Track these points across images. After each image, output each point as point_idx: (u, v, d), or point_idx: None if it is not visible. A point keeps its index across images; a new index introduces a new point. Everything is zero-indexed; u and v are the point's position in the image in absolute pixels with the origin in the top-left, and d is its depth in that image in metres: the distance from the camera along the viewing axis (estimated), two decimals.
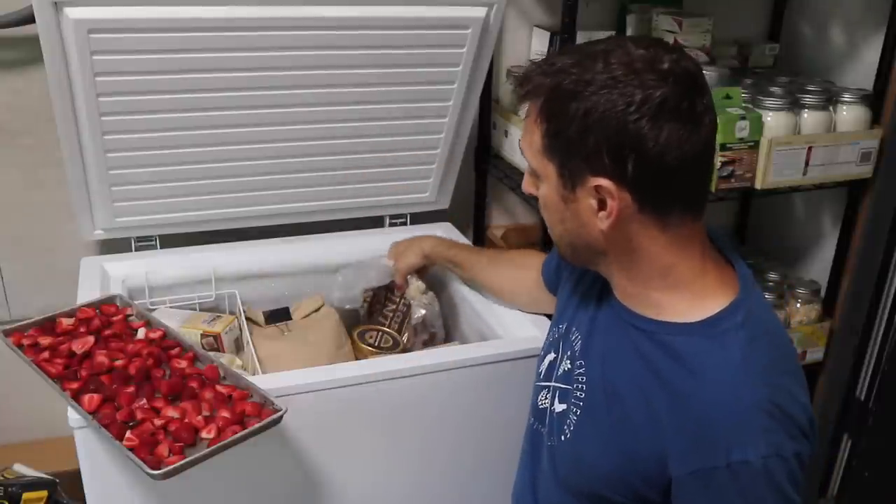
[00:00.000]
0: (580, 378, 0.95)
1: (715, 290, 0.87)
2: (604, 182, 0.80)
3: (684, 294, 0.87)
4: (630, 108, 0.77)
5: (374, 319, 1.55)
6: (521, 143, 0.90)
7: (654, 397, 0.85)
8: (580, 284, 1.03)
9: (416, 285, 1.50)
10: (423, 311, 1.49)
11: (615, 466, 0.88)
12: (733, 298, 0.86)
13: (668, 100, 0.77)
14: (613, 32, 1.73)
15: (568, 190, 0.84)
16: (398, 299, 1.52)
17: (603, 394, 0.91)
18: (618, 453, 0.88)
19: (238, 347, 1.42)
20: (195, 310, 1.47)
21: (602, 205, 0.83)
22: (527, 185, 0.93)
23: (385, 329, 1.50)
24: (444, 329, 1.53)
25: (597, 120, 0.78)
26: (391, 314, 1.53)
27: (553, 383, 1.00)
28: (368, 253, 1.63)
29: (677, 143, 0.78)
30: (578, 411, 0.94)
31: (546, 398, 1.01)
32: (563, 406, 0.96)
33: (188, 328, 1.36)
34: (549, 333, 1.08)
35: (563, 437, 0.96)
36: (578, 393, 0.94)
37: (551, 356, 1.03)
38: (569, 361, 0.98)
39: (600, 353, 0.93)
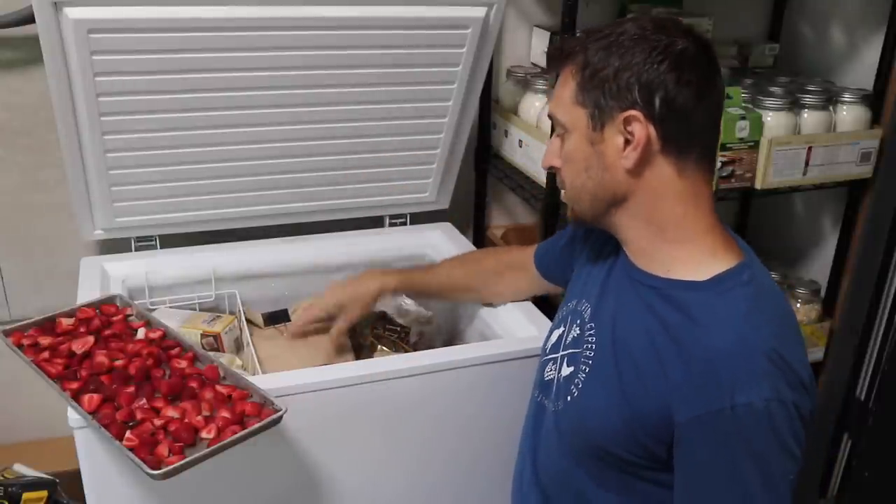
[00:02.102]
0: (590, 339, 0.98)
1: (723, 250, 0.91)
2: (634, 113, 0.87)
3: (694, 249, 0.91)
4: (655, 51, 0.87)
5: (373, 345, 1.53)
6: (550, 107, 0.97)
7: (662, 348, 0.88)
8: (591, 261, 1.07)
9: (414, 314, 1.49)
10: (420, 329, 1.49)
11: (623, 421, 0.90)
12: (739, 261, 0.90)
13: (688, 49, 0.87)
14: None
15: (597, 131, 0.90)
16: (398, 327, 1.51)
17: (612, 349, 0.94)
18: (627, 407, 0.90)
19: (238, 347, 1.42)
20: (195, 310, 1.47)
21: (627, 144, 0.89)
22: (549, 158, 0.99)
23: (397, 341, 1.49)
24: (442, 342, 1.52)
25: (628, 62, 0.87)
26: (391, 336, 1.51)
27: (561, 353, 1.04)
28: (368, 253, 1.63)
29: (696, 90, 0.87)
30: (587, 369, 0.96)
31: (553, 369, 1.04)
32: (571, 368, 0.99)
33: (188, 328, 1.36)
34: (558, 312, 1.12)
35: (569, 398, 0.98)
36: (588, 353, 0.97)
37: (559, 330, 1.07)
38: (578, 328, 1.01)
39: (611, 313, 0.97)
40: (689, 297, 0.89)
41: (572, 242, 1.18)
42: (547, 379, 1.05)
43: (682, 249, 0.92)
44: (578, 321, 1.02)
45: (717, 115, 0.92)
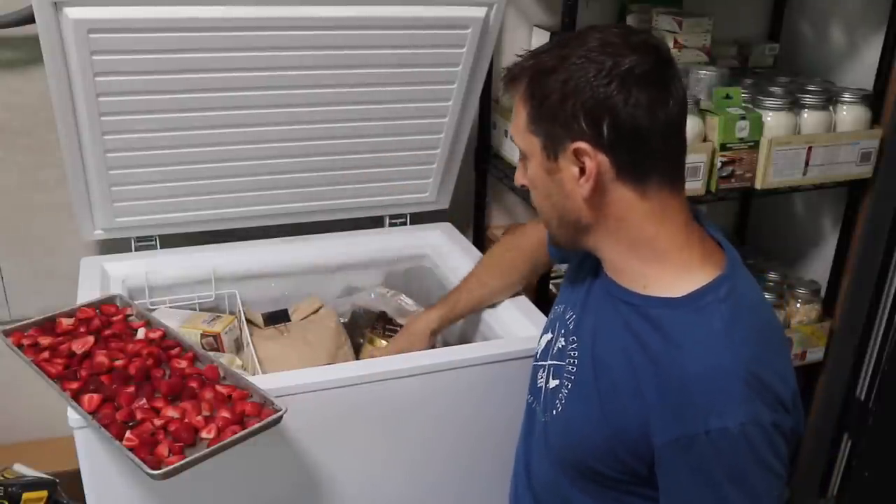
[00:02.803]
0: (572, 353, 0.97)
1: (700, 264, 0.89)
2: (581, 145, 0.85)
3: (668, 266, 0.89)
4: (601, 73, 0.83)
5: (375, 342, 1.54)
6: (511, 130, 0.95)
7: (640, 368, 0.87)
8: (580, 268, 1.05)
9: (414, 314, 1.49)
10: None
11: (604, 438, 0.90)
12: (718, 274, 0.88)
13: (635, 66, 0.83)
14: None
15: (551, 161, 0.88)
16: (398, 327, 1.51)
17: (592, 367, 0.93)
18: (606, 425, 0.89)
19: (238, 347, 1.42)
20: (195, 310, 1.47)
21: (583, 171, 0.86)
22: (519, 176, 0.97)
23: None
24: (442, 342, 1.52)
25: (573, 87, 0.84)
26: (391, 336, 1.51)
27: (548, 362, 1.03)
28: (368, 253, 1.63)
29: (647, 107, 0.83)
30: (570, 385, 0.96)
31: (542, 377, 1.04)
32: (556, 382, 0.99)
33: (188, 328, 1.36)
34: (549, 315, 1.11)
35: (554, 412, 0.98)
36: (570, 368, 0.96)
37: (548, 336, 1.06)
38: (563, 339, 1.00)
39: (591, 328, 0.96)
40: (665, 314, 0.87)
41: None
42: (538, 385, 1.05)
43: (657, 267, 0.89)
44: (563, 331, 1.01)
45: (679, 126, 0.88)
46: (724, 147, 1.48)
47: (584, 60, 0.84)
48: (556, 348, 1.02)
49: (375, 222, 1.72)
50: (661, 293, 0.89)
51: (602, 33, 0.86)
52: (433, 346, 1.37)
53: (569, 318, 1.01)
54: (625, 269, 0.92)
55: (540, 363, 1.06)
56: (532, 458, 1.06)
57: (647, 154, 0.86)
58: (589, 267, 1.02)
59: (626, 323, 0.90)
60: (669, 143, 0.88)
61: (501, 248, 1.41)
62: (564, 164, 0.87)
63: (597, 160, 0.85)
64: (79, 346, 1.10)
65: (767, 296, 1.72)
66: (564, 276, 1.13)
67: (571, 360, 0.97)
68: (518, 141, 0.93)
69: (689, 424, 0.82)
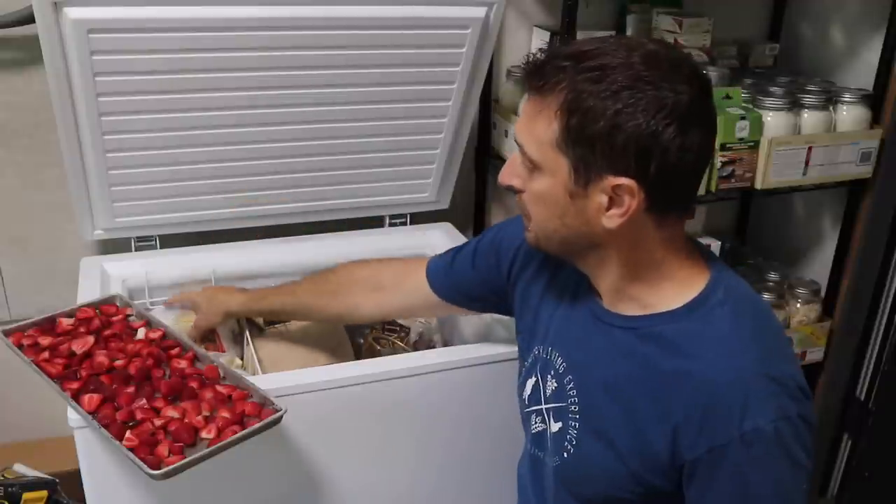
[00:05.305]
0: (572, 392, 0.95)
1: (695, 275, 0.89)
2: (625, 181, 0.80)
3: (670, 284, 0.88)
4: (661, 111, 0.77)
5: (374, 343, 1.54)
6: (520, 133, 0.87)
7: (656, 389, 0.85)
8: (540, 298, 1.02)
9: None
10: (421, 329, 1.49)
11: (626, 466, 0.88)
12: (709, 279, 0.88)
13: (694, 105, 0.79)
14: (613, 33, 1.72)
15: (579, 186, 0.83)
16: (398, 327, 1.51)
17: (599, 401, 0.91)
18: (628, 454, 0.88)
19: (238, 347, 1.41)
20: None
21: (612, 203, 0.82)
22: (509, 176, 0.91)
23: (396, 342, 1.49)
24: (442, 342, 1.52)
25: (626, 120, 0.77)
26: (390, 336, 1.51)
27: (544, 406, 1.00)
28: (368, 254, 1.63)
29: (698, 148, 0.80)
30: (578, 424, 0.94)
31: (539, 422, 1.01)
32: (560, 424, 0.96)
33: (187, 323, 1.35)
34: (522, 360, 1.07)
35: (565, 455, 0.95)
36: (573, 407, 0.94)
37: (532, 380, 1.02)
38: (554, 381, 0.97)
39: (586, 362, 0.93)
40: (669, 329, 0.86)
41: (491, 267, 1.10)
42: (536, 431, 1.02)
43: (656, 287, 0.88)
44: (552, 372, 0.98)
45: (709, 160, 0.86)
46: (724, 147, 1.48)
47: (639, 91, 0.77)
48: (549, 391, 0.98)
49: (375, 222, 1.72)
50: (658, 309, 0.88)
51: (649, 51, 0.80)
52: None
53: (553, 358, 0.98)
54: (622, 292, 0.90)
55: (533, 408, 1.02)
56: (546, 501, 1.03)
57: (681, 191, 0.84)
58: (560, 295, 0.99)
59: (627, 349, 0.89)
60: (700, 177, 0.86)
61: (340, 273, 1.27)
62: (594, 192, 0.82)
63: (638, 199, 0.81)
64: (79, 346, 1.10)
65: (767, 296, 1.72)
66: (519, 317, 1.07)
67: (573, 399, 0.94)
68: (533, 151, 0.85)
69: (719, 433, 0.81)
